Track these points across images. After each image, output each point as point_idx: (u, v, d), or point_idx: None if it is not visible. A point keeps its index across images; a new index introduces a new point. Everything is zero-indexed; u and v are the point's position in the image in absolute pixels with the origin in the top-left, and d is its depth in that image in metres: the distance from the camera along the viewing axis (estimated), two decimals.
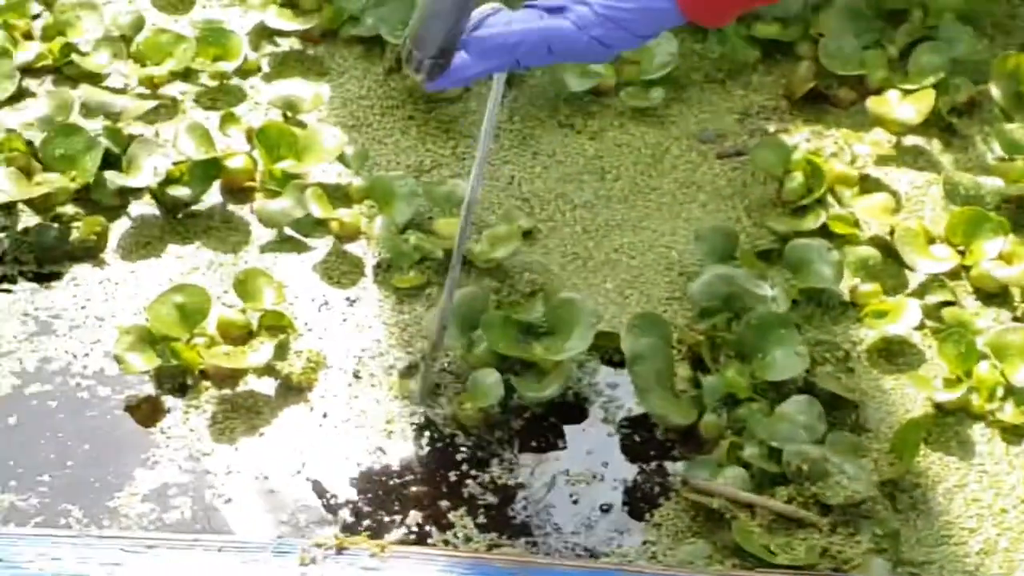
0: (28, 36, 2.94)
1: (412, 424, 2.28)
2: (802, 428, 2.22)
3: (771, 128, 2.87)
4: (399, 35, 2.89)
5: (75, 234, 2.52)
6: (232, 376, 2.29)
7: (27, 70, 2.85)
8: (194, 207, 2.61)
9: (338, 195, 2.64)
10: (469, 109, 2.87)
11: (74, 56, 2.86)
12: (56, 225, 2.53)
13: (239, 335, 2.33)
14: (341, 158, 2.66)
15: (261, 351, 2.28)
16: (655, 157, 2.81)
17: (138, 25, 2.94)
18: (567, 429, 2.31)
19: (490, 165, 2.75)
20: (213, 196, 2.64)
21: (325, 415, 2.29)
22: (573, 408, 2.34)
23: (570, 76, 2.87)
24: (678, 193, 2.74)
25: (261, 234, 2.59)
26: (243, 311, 2.36)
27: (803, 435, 2.21)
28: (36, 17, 2.99)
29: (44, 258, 2.51)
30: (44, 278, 2.49)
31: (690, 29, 3.04)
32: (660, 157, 2.81)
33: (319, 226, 2.59)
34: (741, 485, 2.16)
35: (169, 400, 2.29)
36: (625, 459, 2.26)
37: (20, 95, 2.79)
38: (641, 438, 2.29)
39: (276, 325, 2.35)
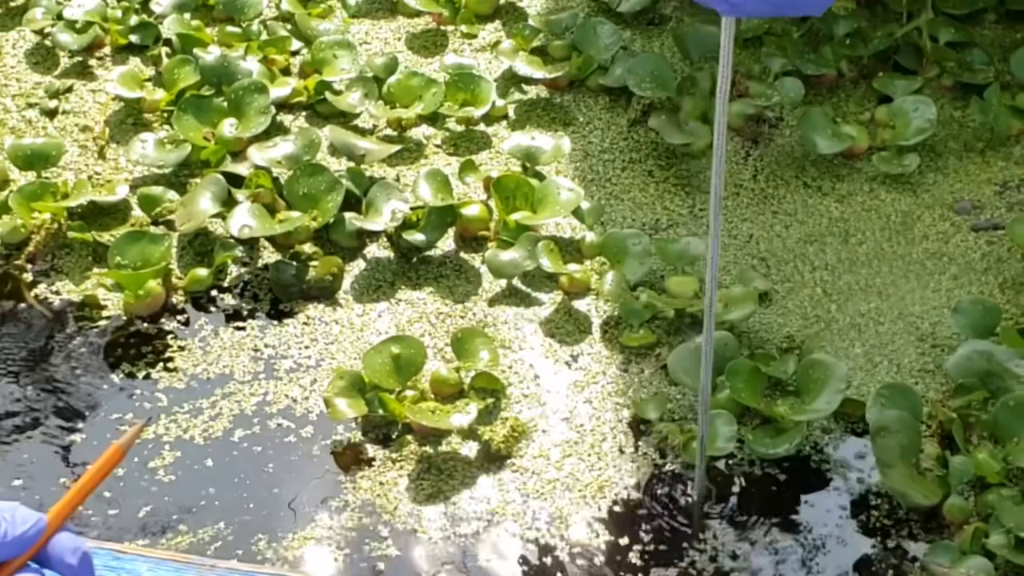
0: (286, 72, 3.02)
1: (625, 493, 2.22)
2: None
3: None
4: (646, 87, 2.85)
5: (312, 273, 2.56)
6: (435, 434, 2.28)
7: (282, 105, 2.92)
8: (428, 253, 2.63)
9: (570, 250, 2.63)
10: (711, 165, 2.80)
11: (328, 94, 2.91)
12: (294, 263, 2.58)
13: (450, 393, 2.33)
14: (576, 212, 2.63)
15: (465, 413, 2.27)
16: (905, 224, 2.70)
17: (391, 67, 2.98)
18: (799, 494, 2.23)
19: (727, 223, 2.69)
20: (447, 243, 2.65)
21: (528, 477, 2.24)
22: (809, 473, 2.26)
23: (820, 138, 2.78)
24: (927, 263, 2.62)
25: (490, 285, 2.59)
26: (457, 369, 2.36)
27: None
28: (295, 53, 3.07)
29: (281, 295, 2.56)
30: (277, 316, 2.54)
31: (950, 96, 2.94)
32: (910, 225, 2.70)
33: (548, 280, 2.58)
34: None
35: (371, 449, 2.30)
36: (860, 534, 2.17)
37: (273, 130, 2.84)
38: (879, 514, 2.20)
39: (487, 387, 2.34)
